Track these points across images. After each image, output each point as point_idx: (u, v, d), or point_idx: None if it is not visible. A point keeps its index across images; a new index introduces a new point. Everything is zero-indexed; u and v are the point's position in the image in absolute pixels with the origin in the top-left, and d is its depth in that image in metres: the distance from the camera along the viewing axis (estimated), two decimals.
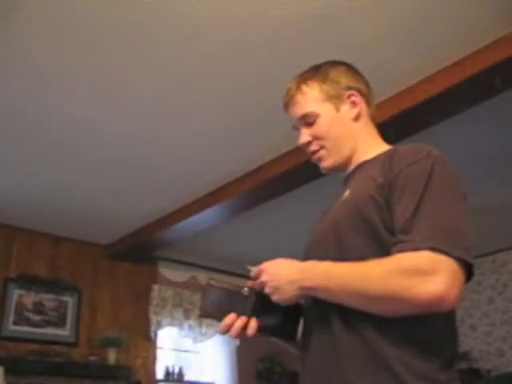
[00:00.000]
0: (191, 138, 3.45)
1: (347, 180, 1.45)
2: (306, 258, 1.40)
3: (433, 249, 1.08)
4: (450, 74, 2.75)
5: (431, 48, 2.68)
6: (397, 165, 1.23)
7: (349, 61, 1.57)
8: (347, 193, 1.35)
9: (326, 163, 1.44)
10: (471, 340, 5.63)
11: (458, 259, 1.09)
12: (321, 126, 1.42)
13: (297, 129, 1.49)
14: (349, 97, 1.44)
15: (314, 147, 1.44)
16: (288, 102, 1.48)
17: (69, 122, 3.22)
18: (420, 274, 1.08)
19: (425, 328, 1.15)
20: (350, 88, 1.45)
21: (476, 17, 2.48)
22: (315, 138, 1.43)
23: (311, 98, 1.44)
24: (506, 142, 3.54)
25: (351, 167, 1.45)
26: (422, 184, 1.17)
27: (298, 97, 1.45)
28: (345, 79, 1.46)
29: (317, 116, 1.42)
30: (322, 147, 1.43)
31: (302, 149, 1.49)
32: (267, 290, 1.24)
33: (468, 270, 1.12)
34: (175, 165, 3.77)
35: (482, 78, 2.66)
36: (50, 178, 3.90)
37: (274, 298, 1.23)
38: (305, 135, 1.44)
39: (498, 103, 2.91)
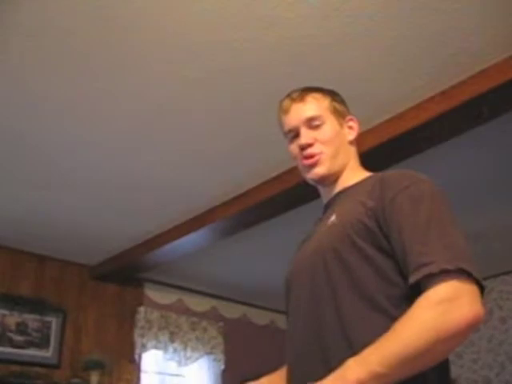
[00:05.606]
0: (178, 162, 3.45)
1: (329, 205, 1.45)
2: (288, 288, 1.39)
3: (460, 269, 1.06)
4: (439, 101, 2.78)
5: (421, 76, 2.71)
6: (390, 189, 1.23)
7: (339, 87, 1.60)
8: (333, 218, 1.34)
9: (322, 169, 1.43)
10: (458, 368, 5.61)
11: (474, 279, 1.08)
12: (326, 133, 1.44)
13: (292, 132, 1.47)
14: (348, 121, 1.50)
15: (315, 149, 1.43)
16: (296, 99, 1.47)
17: (55, 143, 3.20)
18: (448, 304, 1.05)
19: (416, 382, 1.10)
20: (350, 114, 1.52)
21: (464, 47, 2.53)
22: (317, 141, 1.43)
23: (322, 105, 1.46)
24: (492, 169, 3.57)
25: (334, 192, 1.46)
26: (425, 206, 1.18)
27: (310, 99, 1.47)
28: (347, 106, 1.54)
29: (324, 122, 1.44)
30: (322, 152, 1.43)
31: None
32: None
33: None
34: (162, 187, 3.76)
35: (471, 106, 2.70)
36: (36, 198, 3.86)
37: None
38: (308, 136, 1.44)
39: (486, 131, 2.95)
